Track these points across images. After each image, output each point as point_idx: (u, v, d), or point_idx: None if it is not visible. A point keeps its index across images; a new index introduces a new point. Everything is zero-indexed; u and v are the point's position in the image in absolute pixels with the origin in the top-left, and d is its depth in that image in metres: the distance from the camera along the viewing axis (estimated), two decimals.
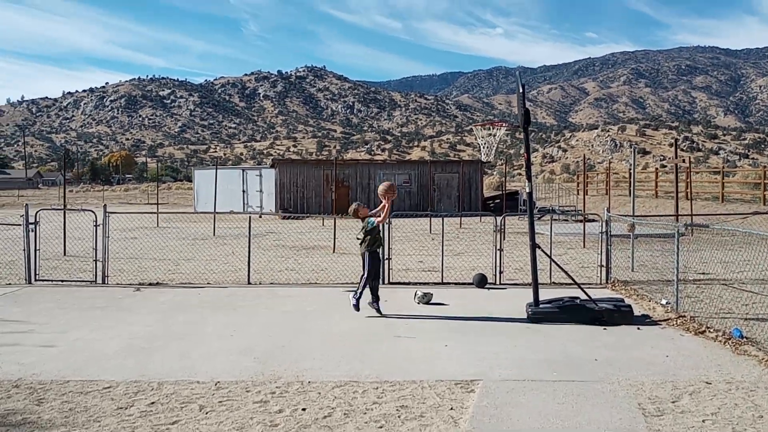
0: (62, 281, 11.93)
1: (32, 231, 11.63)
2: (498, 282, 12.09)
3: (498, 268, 12.18)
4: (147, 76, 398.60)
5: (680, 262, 14.22)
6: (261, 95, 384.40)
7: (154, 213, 19.01)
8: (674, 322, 8.77)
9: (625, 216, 14.81)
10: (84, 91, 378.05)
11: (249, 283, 12.06)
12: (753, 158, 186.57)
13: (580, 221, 25.98)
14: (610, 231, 12.27)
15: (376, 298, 9.34)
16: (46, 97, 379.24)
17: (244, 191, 37.42)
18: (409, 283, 12.08)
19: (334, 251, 18.07)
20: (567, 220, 28.70)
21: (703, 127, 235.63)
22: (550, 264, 11.45)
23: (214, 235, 23.50)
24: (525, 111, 8.74)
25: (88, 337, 7.91)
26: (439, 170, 37.16)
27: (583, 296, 9.23)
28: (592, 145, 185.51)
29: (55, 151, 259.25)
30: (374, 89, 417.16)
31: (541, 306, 9.10)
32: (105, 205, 12.28)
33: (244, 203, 37.45)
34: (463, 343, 7.66)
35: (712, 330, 8.20)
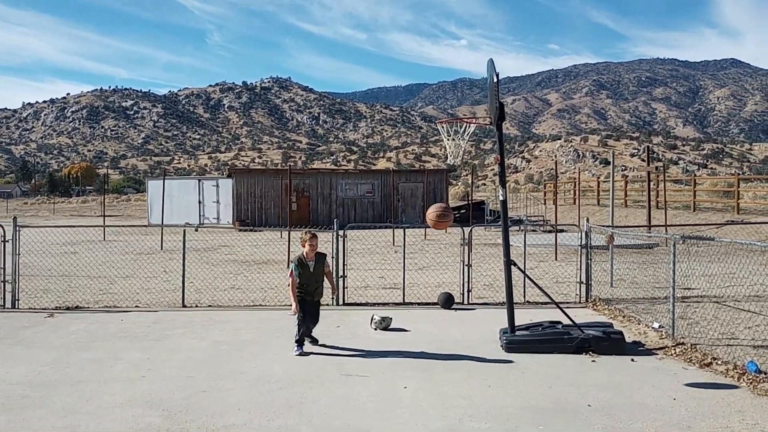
0: None
1: None
2: (466, 301, 10.75)
3: (466, 286, 10.84)
4: (110, 87, 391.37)
5: (658, 276, 13.10)
6: (226, 106, 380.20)
7: (92, 226, 17.26)
8: (672, 351, 7.50)
9: (604, 226, 13.62)
10: (45, 101, 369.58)
11: (183, 305, 10.52)
12: (711, 168, 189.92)
13: (550, 232, 24.89)
14: (590, 243, 11.03)
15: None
16: (5, 108, 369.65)
17: (200, 202, 35.69)
18: (366, 305, 10.66)
19: (288, 266, 16.55)
20: (536, 231, 27.60)
21: (663, 138, 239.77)
22: (524, 281, 10.17)
23: (161, 249, 21.83)
24: (499, 105, 7.42)
25: None
26: (403, 180, 35.86)
27: (566, 320, 7.93)
28: (556, 155, 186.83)
29: (15, 162, 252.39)
30: (340, 100, 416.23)
31: (517, 333, 7.76)
32: (15, 217, 10.64)
33: (200, 214, 35.70)
34: (426, 385, 6.27)
35: (720, 362, 6.95)
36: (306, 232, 7.69)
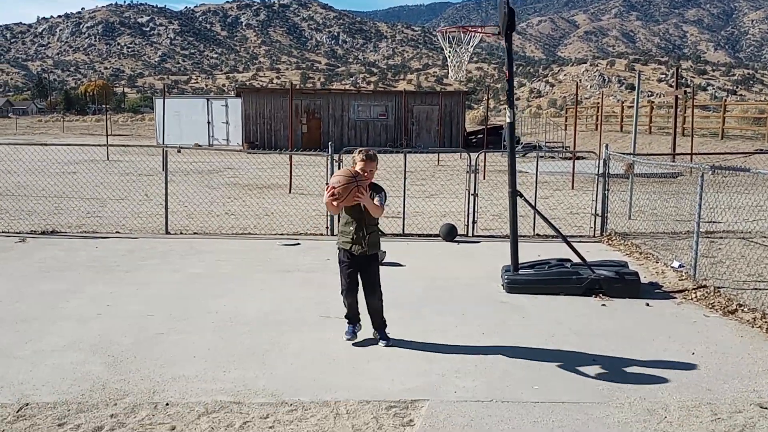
0: None
1: None
2: (470, 233, 9.99)
3: (470, 217, 10.05)
4: (124, 1, 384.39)
5: (681, 209, 12.19)
6: (243, 24, 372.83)
7: (96, 145, 16.59)
8: (693, 295, 6.73)
9: (624, 154, 12.63)
10: (59, 16, 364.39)
11: (167, 232, 9.87)
12: (741, 95, 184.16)
13: (569, 159, 23.84)
14: (609, 172, 10.13)
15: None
16: (20, 23, 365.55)
17: (209, 123, 34.86)
18: None
19: (290, 191, 15.86)
20: (554, 158, 26.54)
21: (692, 63, 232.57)
22: (534, 214, 9.35)
23: (163, 170, 21.17)
24: (509, 11, 6.41)
25: None
26: (418, 102, 34.62)
27: (575, 258, 7.15)
28: (580, 80, 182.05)
29: (31, 79, 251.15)
30: (360, 19, 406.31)
31: (521, 272, 7.01)
32: None
33: (209, 135, 34.97)
34: (410, 331, 5.57)
35: (746, 308, 6.17)
36: (360, 151, 5.23)
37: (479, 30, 6.69)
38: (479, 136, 34.35)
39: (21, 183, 16.39)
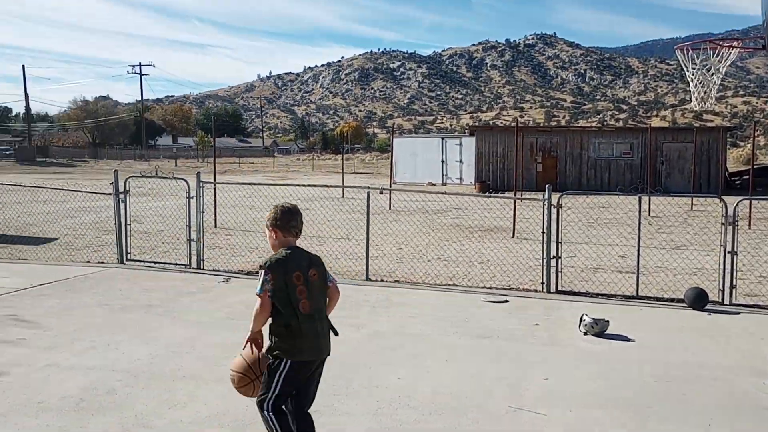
0: (154, 263, 9.98)
1: (122, 202, 9.80)
2: (727, 300, 7.94)
3: (726, 280, 7.99)
4: (378, 49, 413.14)
5: None
6: (488, 65, 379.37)
7: (314, 186, 16.89)
8: None
9: None
10: (322, 65, 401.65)
11: (367, 279, 9.19)
12: None
13: None
14: None
15: None
16: (290, 72, 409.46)
17: (443, 161, 34.83)
18: (586, 294, 8.38)
19: (513, 236, 14.60)
20: None
21: None
22: None
23: (389, 209, 21.15)
24: None
25: (70, 360, 5.56)
26: (668, 139, 31.28)
27: None
28: None
29: (296, 122, 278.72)
30: (608, 55, 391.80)
31: None
32: (198, 173, 10.13)
33: (443, 174, 34.92)
34: None
35: None
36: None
37: (734, 44, 5.03)
38: (744, 177, 30.04)
39: (257, 218, 17.16)
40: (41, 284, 8.48)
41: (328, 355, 3.76)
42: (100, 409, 4.55)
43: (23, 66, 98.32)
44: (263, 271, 3.57)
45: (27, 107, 77.07)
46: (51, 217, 16.32)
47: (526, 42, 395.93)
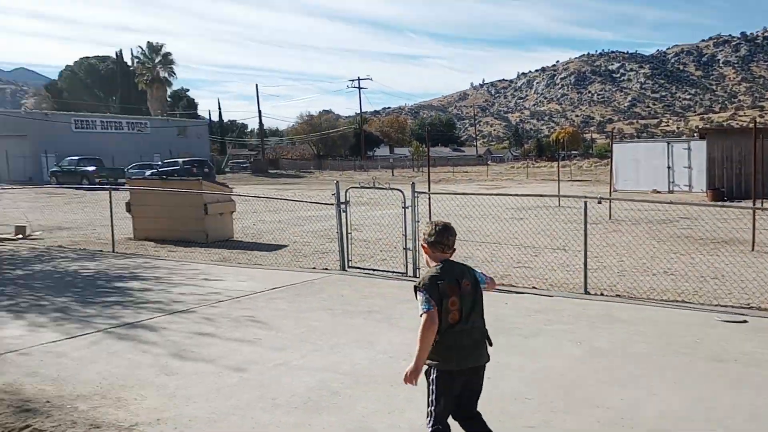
0: (373, 270, 10.42)
1: (344, 212, 10.37)
2: None
3: None
4: (596, 51, 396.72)
5: None
6: (720, 61, 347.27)
7: (500, 195, 16.57)
8: None
9: None
10: (536, 70, 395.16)
11: (586, 292, 8.78)
12: None
13: None
14: None
15: None
16: (503, 79, 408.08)
17: (669, 167, 32.46)
18: None
19: (752, 249, 13.14)
20: None
21: None
22: None
23: (609, 218, 20.12)
24: None
25: (298, 361, 5.96)
26: None
27: None
28: None
29: (510, 129, 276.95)
30: None
31: None
32: (413, 183, 10.35)
33: (669, 181, 32.55)
34: None
35: None
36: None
37: None
38: None
39: (471, 228, 17.24)
40: (273, 288, 9.25)
41: (487, 362, 3.79)
42: (324, 408, 4.82)
43: (257, 85, 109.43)
44: (420, 291, 3.61)
45: (260, 123, 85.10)
46: (282, 225, 17.79)
47: (765, 34, 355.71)
